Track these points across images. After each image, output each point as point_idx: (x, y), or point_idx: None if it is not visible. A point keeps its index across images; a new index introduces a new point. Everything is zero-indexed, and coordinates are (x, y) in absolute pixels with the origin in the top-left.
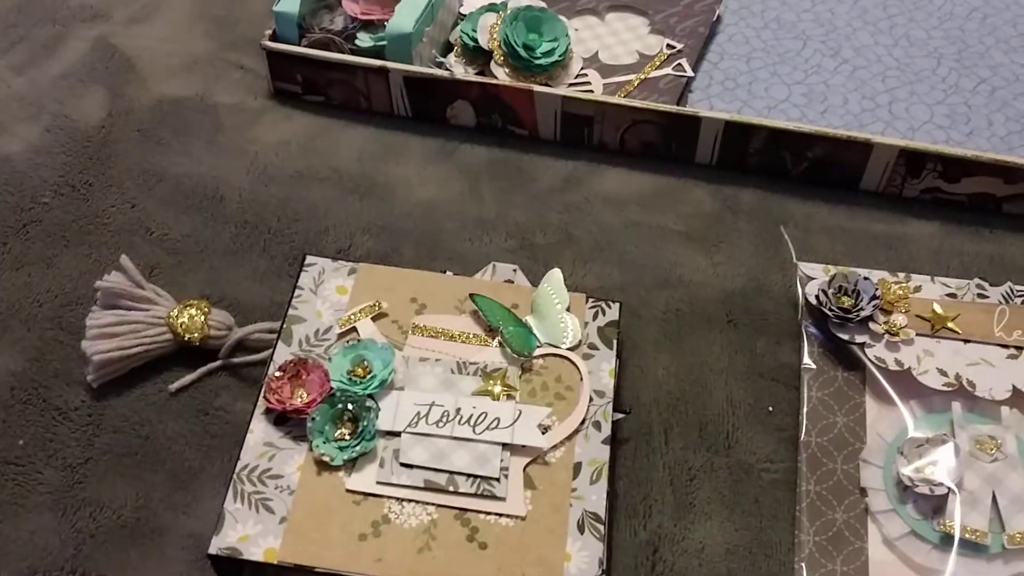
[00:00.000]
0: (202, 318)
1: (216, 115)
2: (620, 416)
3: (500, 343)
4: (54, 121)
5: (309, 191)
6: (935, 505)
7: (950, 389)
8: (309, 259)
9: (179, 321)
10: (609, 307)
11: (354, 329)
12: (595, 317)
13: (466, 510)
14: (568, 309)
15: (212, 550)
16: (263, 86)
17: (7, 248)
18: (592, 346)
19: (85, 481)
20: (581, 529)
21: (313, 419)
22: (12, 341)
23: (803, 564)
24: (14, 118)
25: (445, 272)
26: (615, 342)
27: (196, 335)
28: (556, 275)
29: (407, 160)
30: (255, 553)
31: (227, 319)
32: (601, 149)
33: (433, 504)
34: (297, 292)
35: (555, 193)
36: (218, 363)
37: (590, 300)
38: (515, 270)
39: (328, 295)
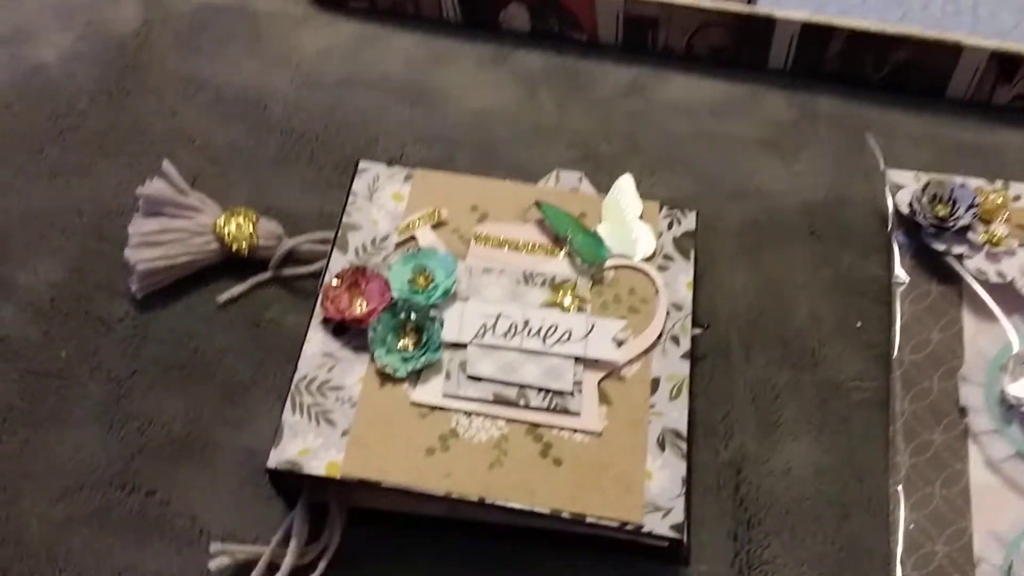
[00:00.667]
0: (250, 227)
1: (256, 22)
2: (697, 331)
3: (568, 254)
4: (88, 28)
5: (357, 99)
6: None
7: None
8: (362, 164)
9: (226, 230)
10: (685, 216)
11: (413, 237)
12: (670, 227)
13: (538, 425)
14: (641, 218)
15: (271, 464)
16: None
17: (44, 155)
18: (667, 257)
19: (131, 394)
20: (662, 446)
21: (374, 329)
22: (51, 251)
23: (900, 487)
24: (47, 27)
25: (505, 180)
26: (693, 253)
27: (244, 244)
28: (627, 181)
29: (459, 67)
30: (316, 467)
31: (276, 229)
32: (666, 54)
33: (503, 418)
34: (351, 199)
35: (618, 100)
36: (268, 274)
37: (664, 209)
38: (580, 178)
39: (384, 202)
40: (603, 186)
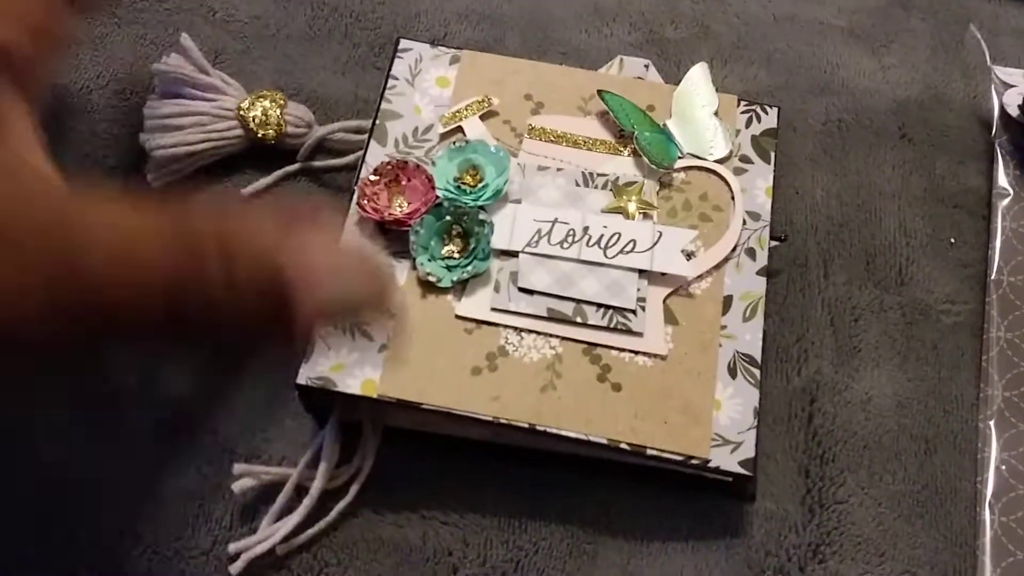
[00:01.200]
0: (278, 112)
1: None
2: (775, 243)
3: (634, 151)
4: None
5: None
6: None
7: None
8: (403, 43)
9: (251, 114)
10: (766, 112)
11: (460, 129)
12: (748, 124)
13: (596, 345)
14: (716, 113)
15: (301, 380)
16: None
17: None
18: (744, 158)
19: None
20: (732, 373)
21: (416, 232)
22: (60, 132)
23: (991, 423)
24: None
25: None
26: (773, 155)
27: (271, 131)
28: (701, 71)
29: None
30: (351, 385)
31: (306, 114)
32: None
33: (557, 337)
34: (391, 83)
35: None
36: (296, 166)
37: (742, 103)
38: (647, 65)
39: (427, 88)
40: (669, 76)
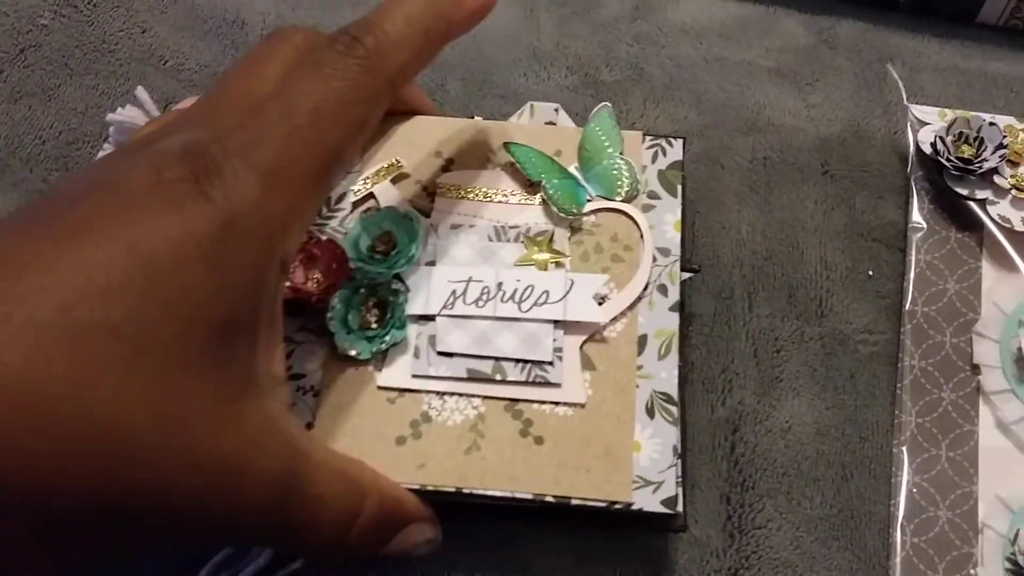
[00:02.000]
0: None
1: None
2: (688, 276)
3: (543, 200)
4: None
5: (341, 15)
6: None
7: None
8: None
9: None
10: (671, 145)
11: (371, 195)
12: (654, 159)
13: (517, 400)
14: (621, 152)
15: None
16: None
17: (3, 77)
18: (652, 194)
19: None
20: (651, 413)
21: (332, 307)
22: (13, 183)
23: (904, 448)
24: None
25: (473, 117)
26: (680, 188)
27: None
28: (604, 112)
29: None
30: None
31: None
32: None
33: (479, 396)
34: None
35: (623, 22)
36: None
37: (647, 138)
38: (556, 109)
39: None
40: None
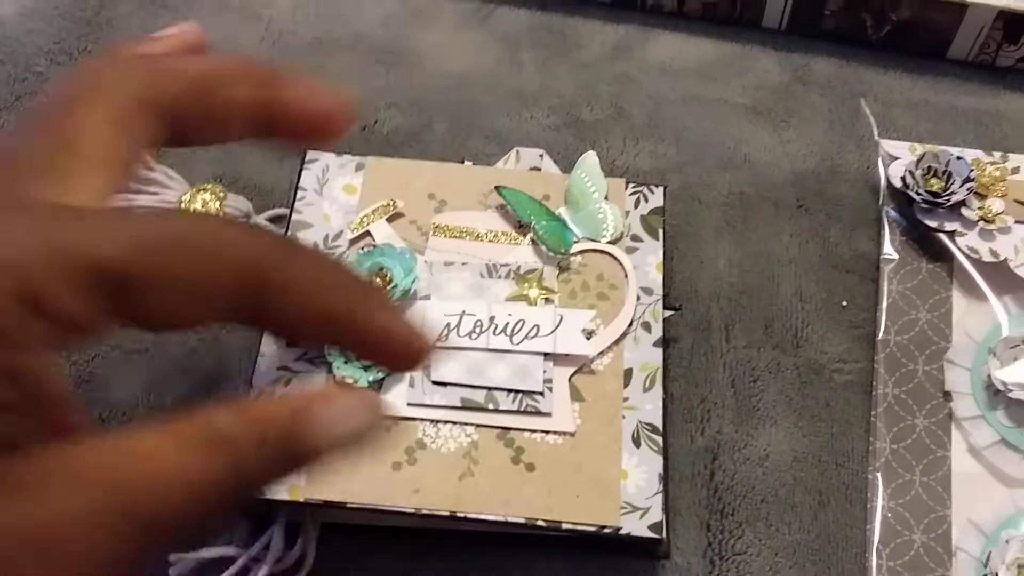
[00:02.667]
0: (217, 203)
1: None
2: (670, 313)
3: (532, 241)
4: None
5: (330, 60)
6: None
7: None
8: (310, 155)
9: (192, 207)
10: (652, 192)
11: (368, 233)
12: (637, 204)
13: (509, 429)
14: (606, 197)
15: None
16: None
17: (0, 123)
18: (635, 237)
19: (93, 380)
20: (637, 442)
21: None
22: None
23: (879, 474)
24: None
25: (464, 162)
26: (661, 232)
27: None
28: (591, 159)
29: (438, 25)
30: (278, 491)
31: (244, 205)
32: (656, 11)
33: (472, 424)
34: (300, 193)
35: (604, 62)
36: None
37: (631, 185)
38: (542, 155)
39: (335, 195)
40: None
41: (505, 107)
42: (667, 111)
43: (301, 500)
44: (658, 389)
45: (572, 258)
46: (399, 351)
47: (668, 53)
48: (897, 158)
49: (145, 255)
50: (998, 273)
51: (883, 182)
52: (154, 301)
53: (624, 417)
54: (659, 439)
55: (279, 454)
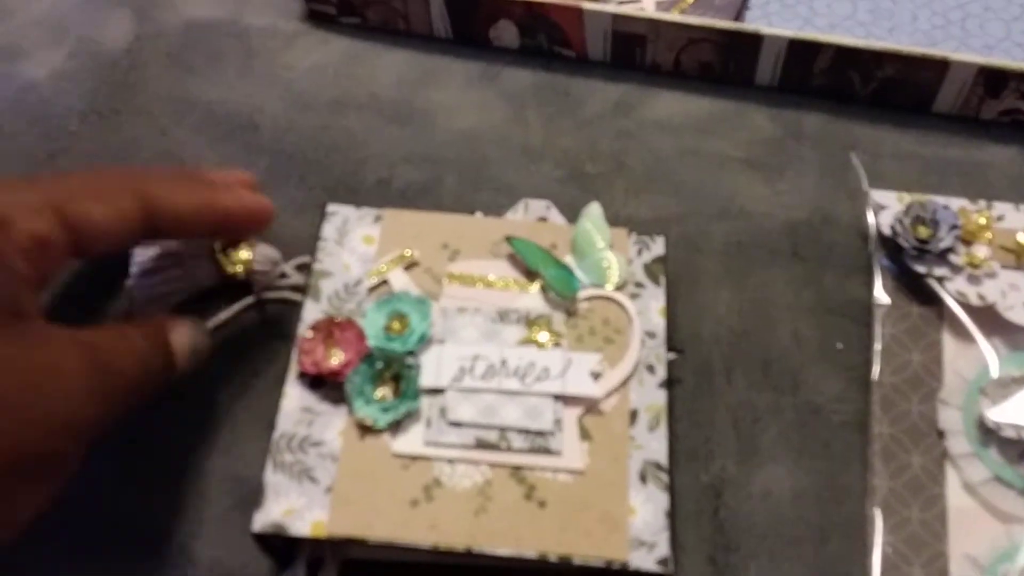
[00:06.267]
0: (250, 253)
1: (248, 39)
2: (672, 356)
3: (541, 287)
4: (79, 45)
5: (347, 119)
6: (1022, 450)
7: None
8: (330, 207)
9: (227, 256)
10: (653, 241)
11: (385, 281)
12: (639, 253)
13: (521, 467)
14: (611, 246)
15: (256, 528)
16: (296, 8)
17: None
18: (639, 284)
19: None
20: (644, 480)
21: (351, 381)
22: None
23: (877, 510)
24: (38, 43)
25: (475, 213)
26: (663, 278)
27: (241, 268)
28: (595, 210)
29: (448, 85)
30: (301, 528)
31: (273, 254)
32: (654, 71)
33: (486, 463)
34: (320, 244)
35: (605, 119)
36: (253, 299)
37: (633, 235)
38: (548, 206)
39: (355, 246)
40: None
41: (512, 162)
42: (666, 165)
43: (323, 536)
44: (663, 428)
45: (579, 304)
46: (250, 217)
47: (666, 110)
48: (886, 207)
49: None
50: (987, 316)
51: (873, 230)
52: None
53: (631, 456)
54: (665, 476)
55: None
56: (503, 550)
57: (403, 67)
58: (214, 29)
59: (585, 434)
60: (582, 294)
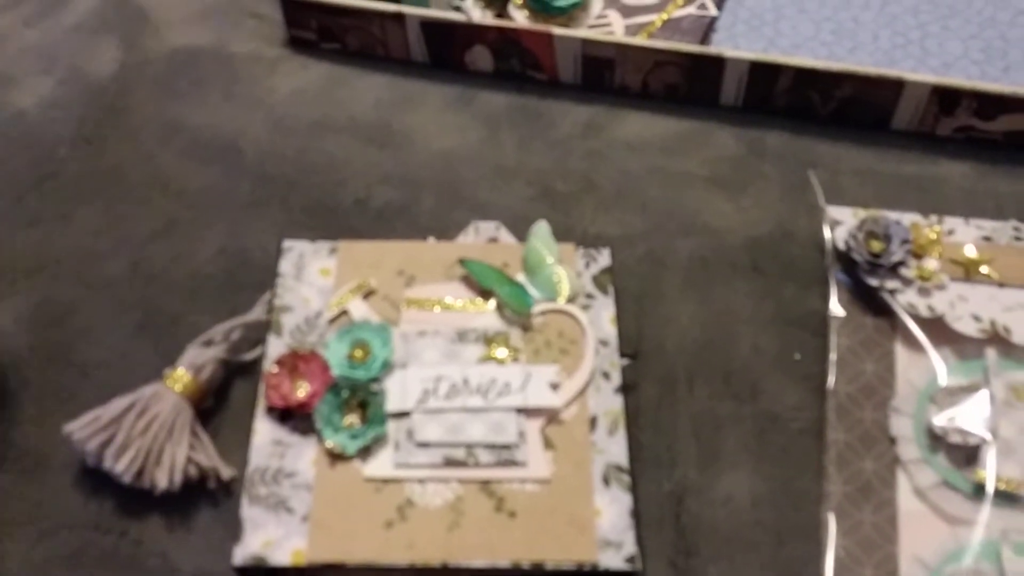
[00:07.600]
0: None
1: (232, 65)
2: (626, 362)
3: (497, 306)
4: (68, 73)
5: (327, 141)
6: (968, 455)
7: (985, 336)
8: (286, 243)
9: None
10: (600, 253)
11: (345, 312)
12: (587, 265)
13: (489, 481)
14: (559, 261)
15: (237, 561)
16: (278, 34)
17: (23, 203)
18: (589, 295)
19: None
20: (607, 482)
21: (319, 411)
22: (25, 295)
23: (831, 514)
24: (27, 71)
25: (427, 239)
26: (611, 288)
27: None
28: (542, 227)
29: (425, 108)
30: (281, 558)
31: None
32: (623, 93)
33: (455, 480)
34: (279, 280)
35: (576, 139)
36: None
37: (580, 248)
38: (498, 227)
39: (312, 279)
40: (559, 225)
41: (487, 181)
42: (633, 183)
43: (303, 564)
44: (622, 432)
45: (534, 319)
46: None
47: (634, 130)
48: (841, 222)
49: None
50: (936, 327)
51: (829, 245)
52: None
53: (593, 460)
54: (627, 477)
55: None
56: (478, 562)
57: (381, 91)
58: (199, 55)
59: (548, 443)
60: (536, 309)
